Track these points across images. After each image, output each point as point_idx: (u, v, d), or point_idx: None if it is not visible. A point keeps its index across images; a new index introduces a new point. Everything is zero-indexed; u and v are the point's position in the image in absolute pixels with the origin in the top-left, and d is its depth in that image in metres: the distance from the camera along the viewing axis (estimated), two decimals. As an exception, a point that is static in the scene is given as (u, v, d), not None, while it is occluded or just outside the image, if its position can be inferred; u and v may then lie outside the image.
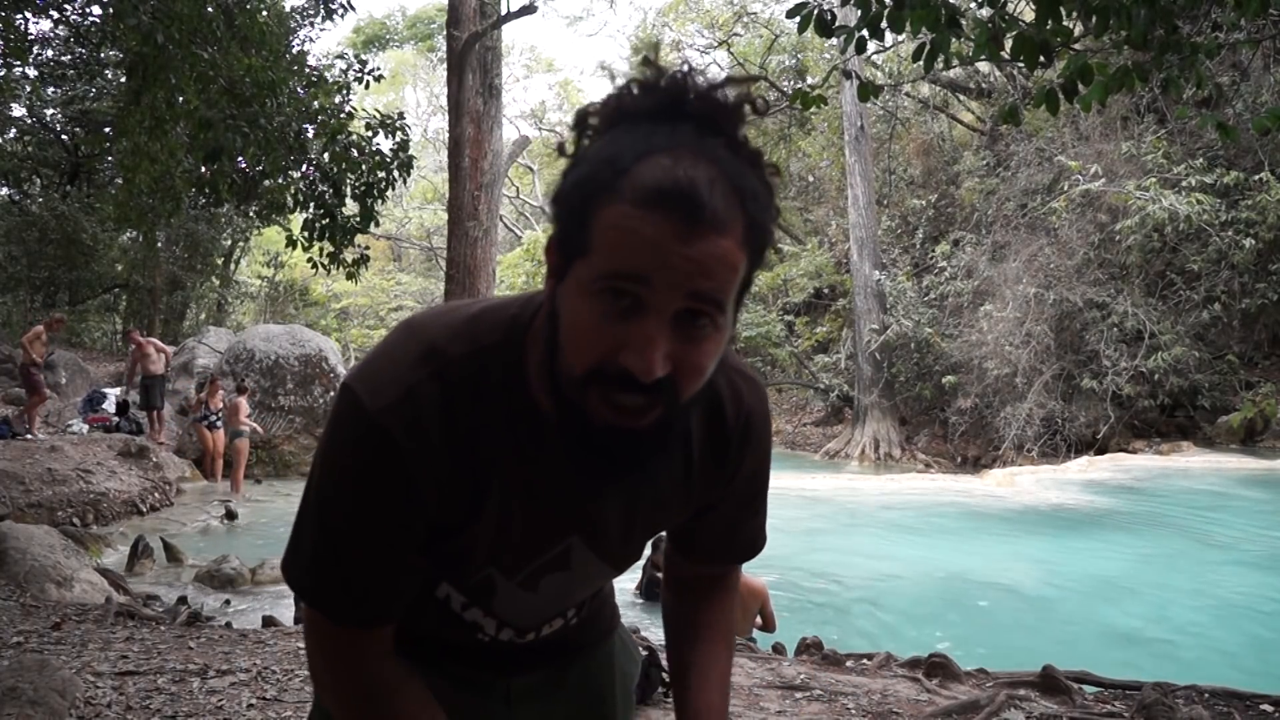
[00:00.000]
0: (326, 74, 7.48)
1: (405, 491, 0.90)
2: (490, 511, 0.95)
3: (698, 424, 1.01)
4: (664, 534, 1.14)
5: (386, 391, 0.89)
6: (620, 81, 0.84)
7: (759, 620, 5.72)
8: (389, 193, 7.14)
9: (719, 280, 0.79)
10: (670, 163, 0.77)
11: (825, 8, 4.07)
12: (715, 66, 24.91)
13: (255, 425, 11.79)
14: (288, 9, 10.36)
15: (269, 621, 5.39)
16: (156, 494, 10.46)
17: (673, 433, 0.87)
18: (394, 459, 0.89)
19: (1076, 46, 4.70)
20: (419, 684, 1.00)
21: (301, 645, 3.91)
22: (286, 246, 7.41)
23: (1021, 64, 3.81)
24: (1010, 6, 4.33)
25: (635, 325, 0.78)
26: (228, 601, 6.71)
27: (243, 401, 11.64)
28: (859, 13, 3.90)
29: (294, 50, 8.54)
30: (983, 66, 18.84)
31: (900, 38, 11.68)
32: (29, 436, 10.73)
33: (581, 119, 0.84)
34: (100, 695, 3.52)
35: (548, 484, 0.95)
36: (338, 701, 1.00)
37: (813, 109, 4.89)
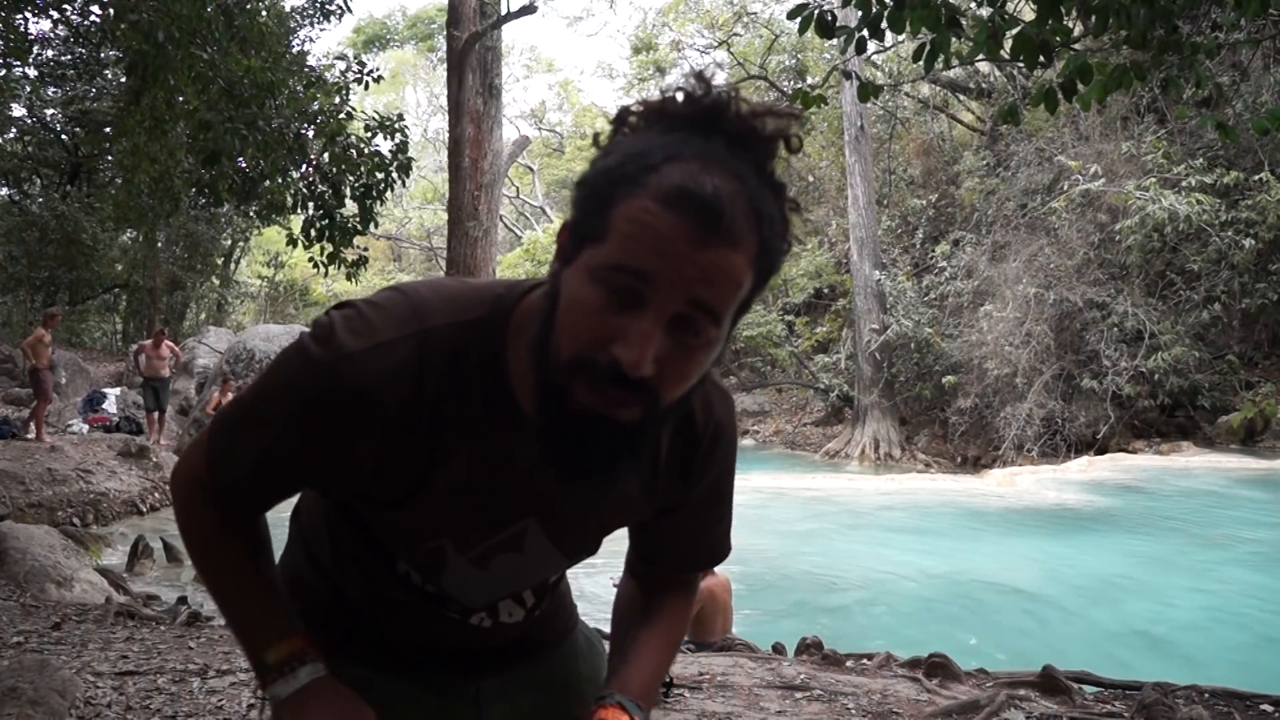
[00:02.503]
0: (326, 74, 7.48)
1: (321, 430, 0.91)
2: (448, 484, 0.95)
3: (667, 429, 1.01)
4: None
5: (359, 337, 0.90)
6: (665, 87, 0.86)
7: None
8: (388, 194, 7.13)
9: (720, 291, 0.80)
10: (698, 169, 0.79)
11: (825, 8, 4.07)
12: (715, 66, 24.94)
13: None
14: (287, 9, 10.35)
15: (269, 621, 5.37)
16: (156, 494, 10.45)
17: (645, 435, 0.87)
18: (331, 399, 0.90)
19: (1076, 46, 4.70)
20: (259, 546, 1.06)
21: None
22: (287, 246, 7.42)
23: (1021, 64, 3.81)
24: (1010, 6, 4.33)
25: (633, 319, 0.79)
26: (228, 601, 6.70)
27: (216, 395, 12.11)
28: (859, 13, 3.91)
29: (294, 50, 8.55)
30: (983, 66, 18.85)
31: (900, 38, 11.68)
32: (38, 440, 10.67)
33: (622, 116, 0.86)
34: (100, 695, 3.52)
35: (512, 464, 0.95)
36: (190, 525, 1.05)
37: (813, 109, 4.89)
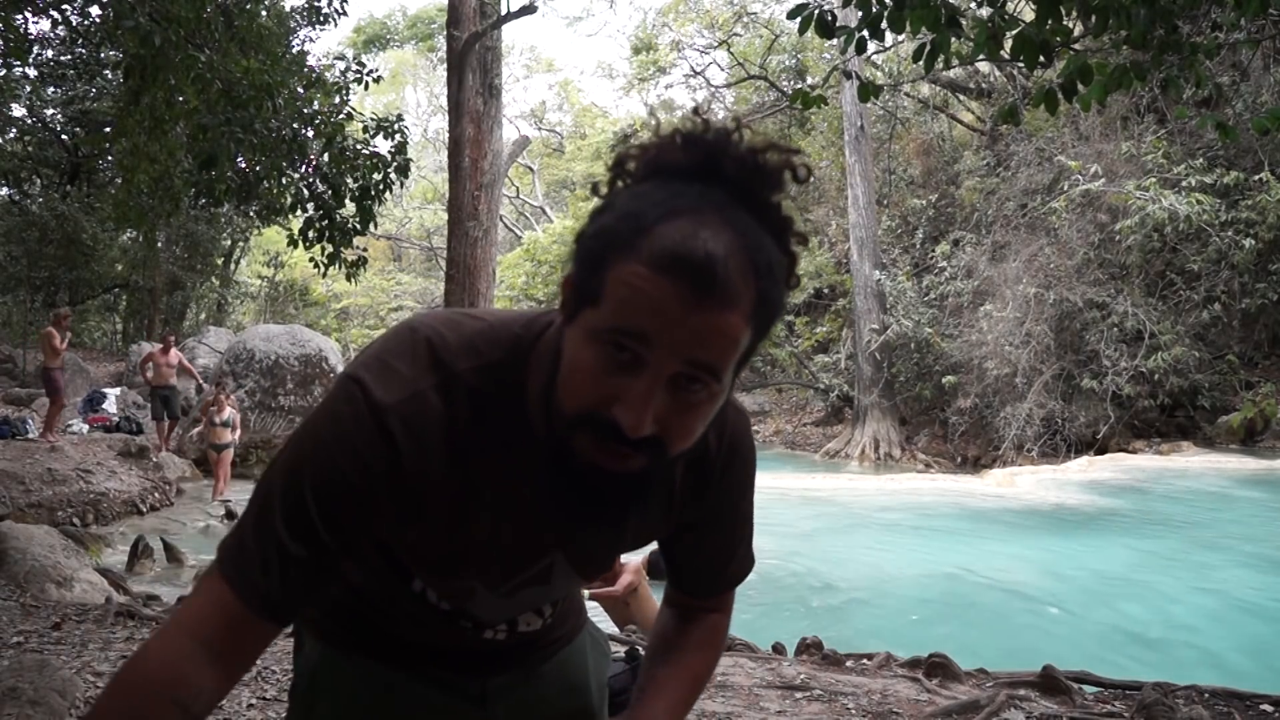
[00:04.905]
0: (326, 75, 7.47)
1: (380, 490, 0.89)
2: (479, 527, 0.96)
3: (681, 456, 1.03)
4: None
5: (393, 389, 0.89)
6: (665, 125, 0.84)
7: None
8: (388, 194, 7.13)
9: (717, 352, 0.80)
10: (690, 229, 0.78)
11: (825, 8, 4.07)
12: (715, 67, 24.98)
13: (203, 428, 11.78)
14: (287, 9, 10.34)
15: (269, 622, 5.37)
16: (156, 494, 10.46)
17: (654, 481, 0.88)
18: (385, 454, 0.88)
19: (1076, 46, 4.70)
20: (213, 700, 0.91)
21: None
22: (287, 246, 7.42)
23: (1021, 64, 3.81)
24: (1010, 6, 4.34)
25: (631, 381, 0.80)
26: (228, 602, 6.70)
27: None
28: (859, 13, 3.91)
29: (293, 51, 8.54)
30: (983, 66, 18.86)
31: (900, 38, 11.68)
32: (40, 440, 10.66)
33: (620, 162, 0.85)
34: (100, 695, 3.51)
35: (538, 505, 0.96)
36: (166, 655, 0.88)
37: (813, 109, 4.89)
